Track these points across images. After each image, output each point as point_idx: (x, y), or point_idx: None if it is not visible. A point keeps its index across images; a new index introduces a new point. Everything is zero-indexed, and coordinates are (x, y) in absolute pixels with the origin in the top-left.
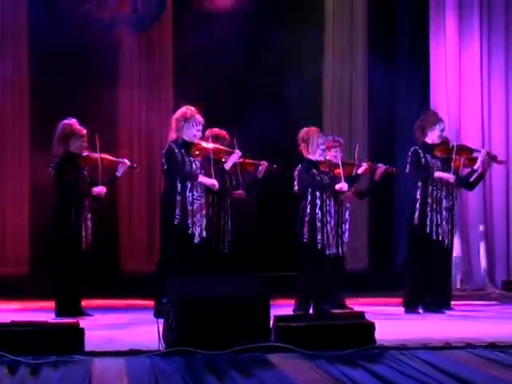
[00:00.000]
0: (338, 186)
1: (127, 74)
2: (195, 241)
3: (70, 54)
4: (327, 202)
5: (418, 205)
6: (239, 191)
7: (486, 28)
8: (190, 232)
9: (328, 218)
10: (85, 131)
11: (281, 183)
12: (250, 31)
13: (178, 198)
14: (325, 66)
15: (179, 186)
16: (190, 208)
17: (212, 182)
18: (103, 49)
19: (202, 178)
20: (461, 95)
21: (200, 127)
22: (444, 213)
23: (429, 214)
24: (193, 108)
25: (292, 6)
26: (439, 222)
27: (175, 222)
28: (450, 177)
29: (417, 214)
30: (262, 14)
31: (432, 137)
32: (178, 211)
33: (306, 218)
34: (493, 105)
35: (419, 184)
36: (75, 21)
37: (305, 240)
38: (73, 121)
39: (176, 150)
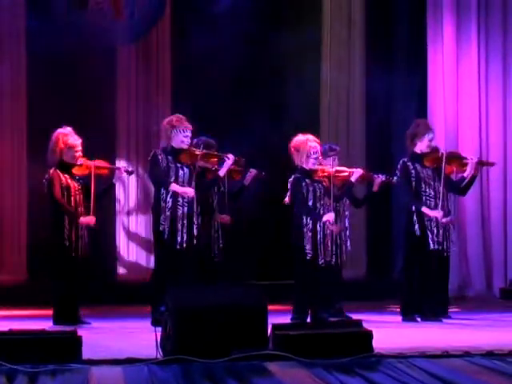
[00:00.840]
0: (325, 218)
1: (125, 81)
2: (178, 247)
3: (67, 61)
4: (321, 211)
5: (415, 217)
6: (225, 216)
7: (484, 35)
8: (171, 238)
9: (320, 227)
10: (79, 140)
11: (275, 190)
12: (247, 36)
13: (163, 204)
14: (322, 73)
15: (164, 192)
16: (168, 214)
17: (184, 190)
18: (101, 56)
19: (174, 187)
20: (458, 101)
21: (188, 133)
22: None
23: (427, 223)
24: (180, 115)
25: (290, 11)
26: (436, 231)
27: (160, 229)
28: (436, 214)
29: (416, 226)
30: (259, 17)
31: (421, 146)
32: (162, 218)
33: (302, 228)
34: (490, 111)
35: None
36: (72, 28)
37: (299, 248)
38: (68, 129)
39: (160, 157)
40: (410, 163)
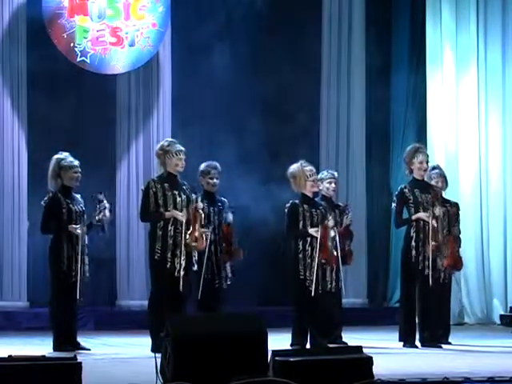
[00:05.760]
0: (311, 231)
1: (125, 109)
2: (176, 274)
3: (67, 89)
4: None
5: (413, 242)
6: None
7: (483, 65)
8: (168, 266)
9: (316, 253)
10: (76, 162)
11: (277, 220)
12: (246, 62)
13: (159, 232)
14: (322, 103)
15: (162, 220)
16: (170, 242)
17: (175, 213)
18: (101, 83)
19: (172, 213)
20: (458, 134)
21: (181, 156)
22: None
23: (420, 249)
24: (171, 139)
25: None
26: (431, 257)
27: (155, 257)
28: (424, 216)
29: (414, 252)
30: (259, 43)
31: (415, 171)
32: (158, 245)
33: (298, 254)
34: (490, 142)
35: (411, 222)
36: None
37: (297, 276)
38: (64, 154)
39: (153, 190)
40: (407, 189)
